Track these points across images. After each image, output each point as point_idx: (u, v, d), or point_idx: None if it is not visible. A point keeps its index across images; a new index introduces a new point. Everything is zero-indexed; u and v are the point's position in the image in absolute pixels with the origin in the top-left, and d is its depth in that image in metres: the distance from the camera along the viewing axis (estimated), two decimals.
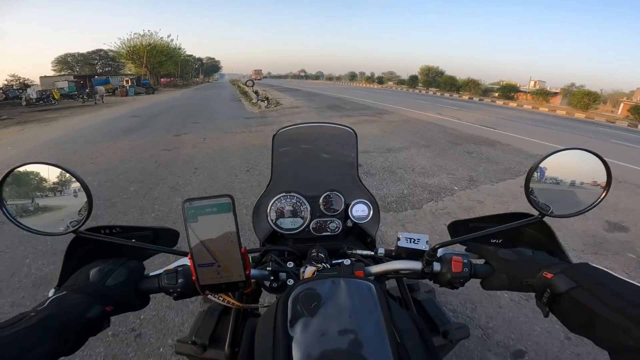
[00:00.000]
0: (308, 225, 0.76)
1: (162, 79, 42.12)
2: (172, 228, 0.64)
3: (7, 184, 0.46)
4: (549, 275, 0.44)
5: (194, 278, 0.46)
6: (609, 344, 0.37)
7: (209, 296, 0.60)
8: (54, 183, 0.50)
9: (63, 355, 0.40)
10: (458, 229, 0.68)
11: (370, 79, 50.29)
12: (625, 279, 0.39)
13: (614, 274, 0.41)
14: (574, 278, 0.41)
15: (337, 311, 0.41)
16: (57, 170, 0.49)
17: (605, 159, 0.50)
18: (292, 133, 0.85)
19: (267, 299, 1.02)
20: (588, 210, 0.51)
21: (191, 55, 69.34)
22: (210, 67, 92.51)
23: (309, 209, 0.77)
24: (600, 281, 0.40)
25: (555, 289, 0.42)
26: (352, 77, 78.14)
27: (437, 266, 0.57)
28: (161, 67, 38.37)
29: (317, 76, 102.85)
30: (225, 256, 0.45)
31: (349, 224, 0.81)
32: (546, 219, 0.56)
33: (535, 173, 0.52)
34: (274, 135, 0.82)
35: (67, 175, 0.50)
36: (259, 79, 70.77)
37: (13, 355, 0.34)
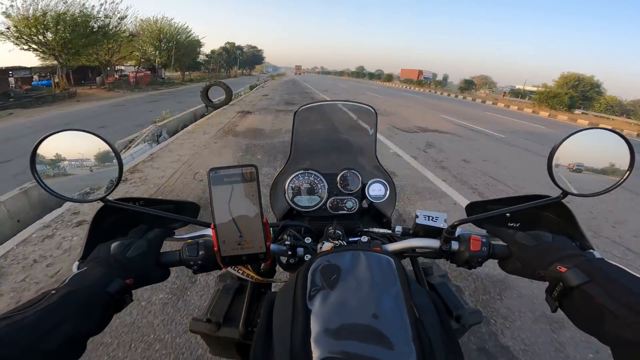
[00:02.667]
0: (325, 204, 0.77)
1: (133, 74, 25.63)
2: (194, 202, 0.66)
3: (41, 150, 0.47)
4: (563, 269, 0.44)
5: (215, 249, 0.46)
6: (613, 338, 0.37)
7: (228, 269, 0.62)
8: (87, 150, 0.49)
9: (90, 334, 0.39)
10: (476, 210, 0.65)
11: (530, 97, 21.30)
12: (639, 276, 0.39)
13: (628, 270, 0.41)
14: (587, 273, 0.41)
15: (357, 284, 0.41)
16: (91, 138, 0.49)
17: (628, 138, 0.49)
18: (313, 111, 0.86)
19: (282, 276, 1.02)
20: (611, 190, 0.50)
21: (232, 43, 61.51)
22: (251, 58, 77.47)
23: (326, 187, 0.77)
24: (613, 277, 0.40)
25: (567, 282, 0.42)
26: (468, 84, 40.65)
27: (455, 245, 0.56)
28: (76, 55, 19.65)
29: (379, 75, 77.54)
30: (247, 226, 0.45)
31: (365, 204, 0.81)
32: (566, 203, 0.54)
33: (558, 153, 0.51)
34: (295, 113, 0.83)
35: (101, 143, 0.49)
36: (299, 74, 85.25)
37: (38, 335, 0.33)
